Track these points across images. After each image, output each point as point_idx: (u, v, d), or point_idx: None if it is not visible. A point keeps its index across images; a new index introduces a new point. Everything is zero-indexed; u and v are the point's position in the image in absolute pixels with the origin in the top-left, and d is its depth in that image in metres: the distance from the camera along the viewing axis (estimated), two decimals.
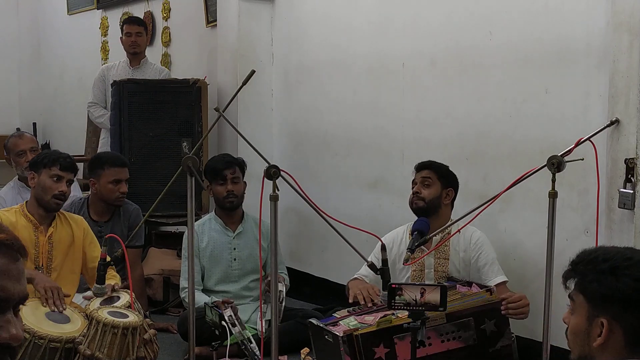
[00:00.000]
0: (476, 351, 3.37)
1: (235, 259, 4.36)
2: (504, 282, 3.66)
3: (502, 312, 3.39)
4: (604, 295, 1.66)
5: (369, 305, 3.50)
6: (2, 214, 3.67)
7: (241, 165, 4.41)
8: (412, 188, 3.85)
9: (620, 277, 1.65)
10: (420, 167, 3.89)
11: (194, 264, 3.31)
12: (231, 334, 3.34)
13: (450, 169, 3.89)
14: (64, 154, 3.84)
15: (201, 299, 4.06)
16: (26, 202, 3.77)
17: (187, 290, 3.73)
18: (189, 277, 3.13)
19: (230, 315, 3.38)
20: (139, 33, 5.92)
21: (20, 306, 1.39)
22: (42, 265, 3.67)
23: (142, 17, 6.85)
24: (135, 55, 5.92)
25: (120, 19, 6.95)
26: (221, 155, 4.61)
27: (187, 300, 3.76)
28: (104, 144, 5.89)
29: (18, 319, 1.37)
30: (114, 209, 4.46)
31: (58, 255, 3.72)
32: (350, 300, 3.59)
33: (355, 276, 3.92)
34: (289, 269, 4.76)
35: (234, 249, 4.36)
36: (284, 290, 4.01)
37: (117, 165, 4.39)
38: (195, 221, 3.77)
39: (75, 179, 3.94)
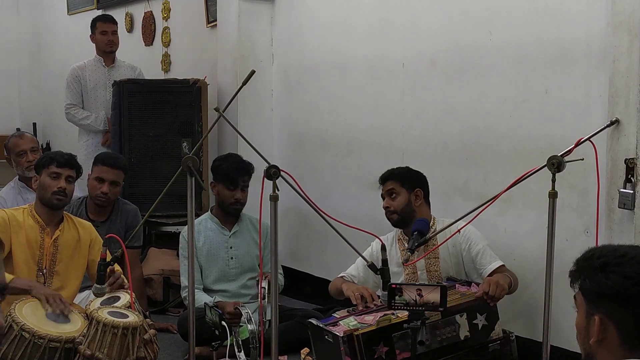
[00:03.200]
0: (469, 345, 3.42)
1: (232, 258, 4.36)
2: (502, 266, 3.67)
3: (491, 304, 3.43)
4: (596, 293, 1.66)
5: (360, 308, 3.49)
6: (10, 213, 3.69)
7: (252, 172, 4.36)
8: (383, 202, 3.85)
9: (609, 274, 1.64)
10: (382, 180, 3.89)
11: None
12: (232, 333, 3.36)
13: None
14: (62, 153, 3.85)
15: (203, 298, 4.06)
16: (34, 202, 3.79)
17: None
18: (189, 277, 3.13)
19: (247, 312, 3.44)
20: (114, 31, 5.89)
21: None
22: (45, 268, 3.66)
23: (142, 17, 6.85)
24: (110, 54, 5.89)
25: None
26: (236, 159, 4.45)
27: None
28: (89, 146, 5.82)
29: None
30: (111, 208, 4.46)
31: (62, 258, 3.72)
32: (360, 307, 3.51)
33: (343, 275, 3.90)
34: (289, 268, 4.76)
35: (231, 247, 4.36)
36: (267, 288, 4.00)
37: (106, 164, 4.38)
38: None
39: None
